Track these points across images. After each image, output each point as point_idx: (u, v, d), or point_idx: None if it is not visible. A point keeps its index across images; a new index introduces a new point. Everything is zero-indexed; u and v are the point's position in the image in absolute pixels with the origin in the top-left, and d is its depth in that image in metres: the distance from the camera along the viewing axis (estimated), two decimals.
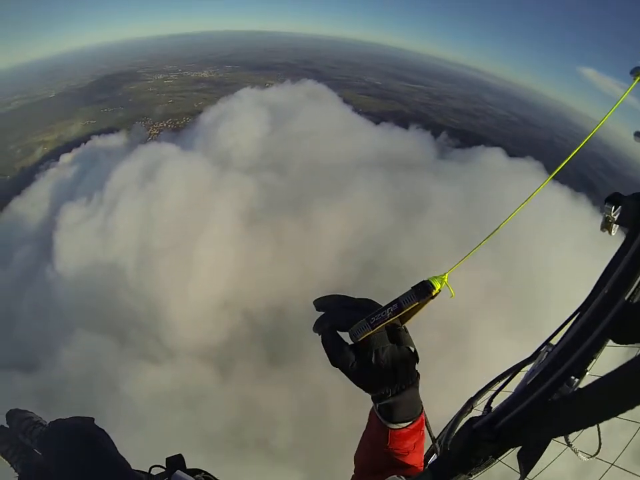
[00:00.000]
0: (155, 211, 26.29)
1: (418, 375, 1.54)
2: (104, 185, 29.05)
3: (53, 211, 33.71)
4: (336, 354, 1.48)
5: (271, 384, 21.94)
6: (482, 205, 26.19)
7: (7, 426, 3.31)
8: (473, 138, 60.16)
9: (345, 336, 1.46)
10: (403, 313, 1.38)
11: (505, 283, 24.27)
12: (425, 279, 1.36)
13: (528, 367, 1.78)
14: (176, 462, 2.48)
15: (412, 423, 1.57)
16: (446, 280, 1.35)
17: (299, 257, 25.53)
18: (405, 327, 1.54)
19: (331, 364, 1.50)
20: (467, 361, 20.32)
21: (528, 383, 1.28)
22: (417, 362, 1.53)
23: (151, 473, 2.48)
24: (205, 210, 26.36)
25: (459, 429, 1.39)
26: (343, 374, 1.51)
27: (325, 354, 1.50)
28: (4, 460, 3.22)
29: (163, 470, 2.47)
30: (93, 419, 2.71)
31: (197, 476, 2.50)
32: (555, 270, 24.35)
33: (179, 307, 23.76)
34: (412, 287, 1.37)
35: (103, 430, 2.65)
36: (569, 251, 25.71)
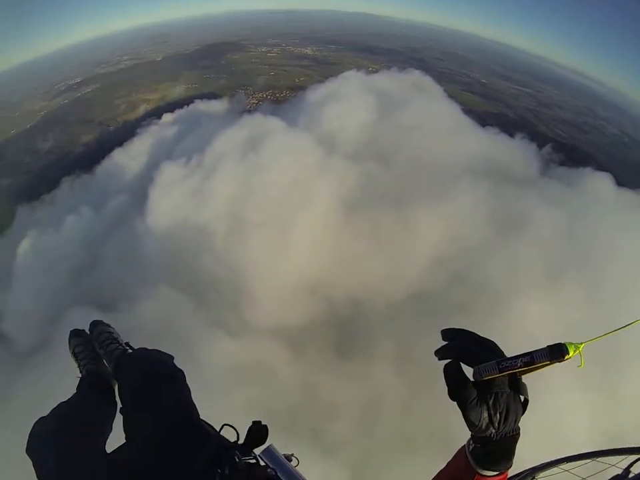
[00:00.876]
0: (255, 183, 25.56)
1: (519, 428, 1.55)
2: (204, 149, 28.66)
3: (151, 166, 34.01)
4: (460, 388, 1.50)
5: (336, 375, 21.38)
6: (584, 235, 24.85)
7: (88, 332, 3.45)
8: (578, 155, 56.41)
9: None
10: (532, 367, 1.42)
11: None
12: (562, 342, 1.40)
13: None
14: (258, 431, 2.35)
15: (500, 474, 1.58)
16: (581, 349, 1.39)
17: (390, 254, 24.16)
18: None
19: (449, 395, 1.52)
20: None
21: None
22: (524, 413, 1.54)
23: (221, 432, 2.42)
24: (306, 191, 25.37)
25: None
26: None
27: (445, 382, 1.53)
28: (73, 359, 3.38)
29: (234, 431, 2.39)
30: (173, 357, 2.83)
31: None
32: None
33: (262, 282, 23.21)
34: (547, 346, 1.41)
35: (182, 371, 2.72)
36: None
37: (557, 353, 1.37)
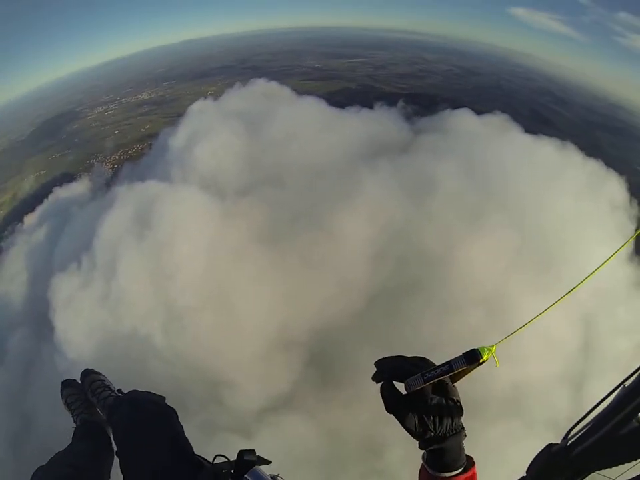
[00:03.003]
0: (166, 262, 21.94)
1: (463, 427, 1.70)
2: (90, 244, 24.26)
3: (37, 284, 29.50)
4: (392, 402, 1.68)
5: (335, 406, 19.98)
6: (481, 173, 24.99)
7: (79, 382, 3.54)
8: (426, 99, 58.70)
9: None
10: (452, 373, 1.57)
11: (526, 244, 22.61)
12: (476, 348, 1.54)
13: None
14: (246, 456, 2.32)
15: (461, 473, 1.70)
16: (493, 351, 1.53)
17: (331, 270, 22.32)
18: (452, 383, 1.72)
19: (386, 410, 1.71)
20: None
21: (601, 418, 1.50)
22: (462, 414, 1.68)
23: (214, 462, 2.49)
24: (219, 247, 22.39)
25: (539, 451, 1.71)
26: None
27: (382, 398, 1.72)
28: (66, 410, 3.50)
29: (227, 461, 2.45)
30: (164, 398, 2.87)
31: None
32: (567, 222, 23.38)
33: (231, 362, 20.12)
34: (463, 353, 1.56)
35: (174, 409, 2.79)
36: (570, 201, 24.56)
37: (472, 358, 1.52)
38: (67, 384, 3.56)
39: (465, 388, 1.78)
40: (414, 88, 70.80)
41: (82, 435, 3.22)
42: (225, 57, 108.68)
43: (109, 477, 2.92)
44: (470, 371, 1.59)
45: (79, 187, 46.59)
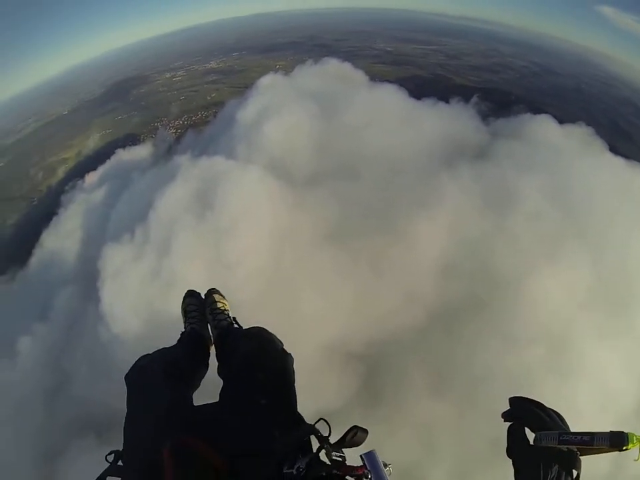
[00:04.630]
0: (223, 248, 19.63)
1: None
2: (147, 216, 22.23)
3: (91, 246, 28.27)
4: (518, 448, 1.58)
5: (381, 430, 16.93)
6: (564, 193, 22.46)
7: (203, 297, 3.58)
8: (502, 97, 54.88)
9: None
10: (589, 447, 1.41)
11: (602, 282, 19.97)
12: (625, 432, 1.36)
13: None
14: (355, 434, 2.10)
15: None
16: None
17: (396, 279, 19.82)
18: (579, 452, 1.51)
19: (507, 453, 1.62)
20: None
21: None
22: None
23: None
24: (284, 240, 20.00)
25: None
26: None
27: (506, 441, 1.63)
28: (182, 316, 3.52)
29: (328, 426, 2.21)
30: (282, 343, 2.76)
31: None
32: None
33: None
34: (610, 431, 1.39)
35: (291, 355, 2.66)
36: None
37: (617, 441, 1.35)
38: (191, 294, 3.59)
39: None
40: (488, 82, 66.54)
41: (187, 341, 3.24)
42: (294, 33, 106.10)
43: (198, 387, 2.87)
44: (606, 452, 1.39)
45: (142, 151, 45.30)
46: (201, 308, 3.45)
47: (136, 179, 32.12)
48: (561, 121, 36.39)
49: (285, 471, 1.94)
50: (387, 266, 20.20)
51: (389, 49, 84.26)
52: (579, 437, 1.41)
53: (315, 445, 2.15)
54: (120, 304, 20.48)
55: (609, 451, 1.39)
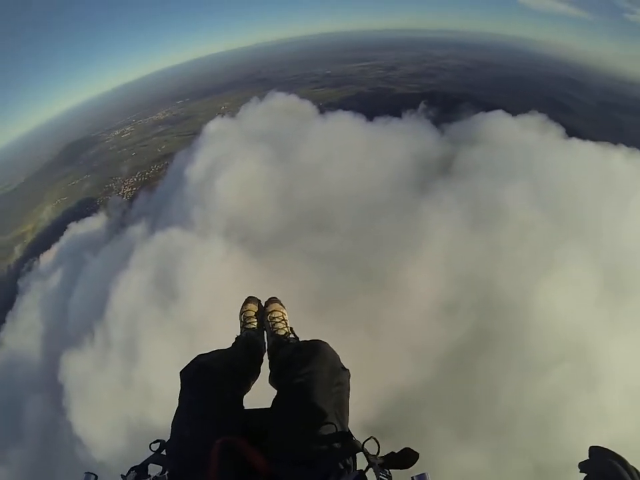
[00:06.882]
0: (197, 342, 15.35)
1: None
2: (104, 312, 18.53)
3: (50, 342, 24.75)
4: None
5: None
6: (547, 193, 20.96)
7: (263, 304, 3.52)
8: (446, 99, 53.56)
9: None
10: None
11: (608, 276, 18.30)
12: None
13: None
14: (405, 456, 2.03)
15: None
16: None
17: (394, 332, 17.11)
18: None
19: None
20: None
21: None
22: None
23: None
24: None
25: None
26: None
27: None
28: (240, 318, 3.33)
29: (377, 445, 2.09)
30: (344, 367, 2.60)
31: None
32: None
33: None
34: None
35: (349, 371, 2.58)
36: None
37: None
38: (251, 300, 3.43)
39: None
40: (429, 87, 65.74)
41: (241, 345, 3.06)
42: (234, 71, 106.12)
43: (249, 390, 2.71)
44: None
45: (95, 223, 41.11)
46: (259, 314, 3.32)
47: (90, 260, 28.14)
48: (513, 113, 35.22)
49: None
50: (381, 322, 17.43)
51: (327, 72, 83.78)
52: None
53: (362, 463, 2.02)
54: (94, 426, 16.93)
55: None
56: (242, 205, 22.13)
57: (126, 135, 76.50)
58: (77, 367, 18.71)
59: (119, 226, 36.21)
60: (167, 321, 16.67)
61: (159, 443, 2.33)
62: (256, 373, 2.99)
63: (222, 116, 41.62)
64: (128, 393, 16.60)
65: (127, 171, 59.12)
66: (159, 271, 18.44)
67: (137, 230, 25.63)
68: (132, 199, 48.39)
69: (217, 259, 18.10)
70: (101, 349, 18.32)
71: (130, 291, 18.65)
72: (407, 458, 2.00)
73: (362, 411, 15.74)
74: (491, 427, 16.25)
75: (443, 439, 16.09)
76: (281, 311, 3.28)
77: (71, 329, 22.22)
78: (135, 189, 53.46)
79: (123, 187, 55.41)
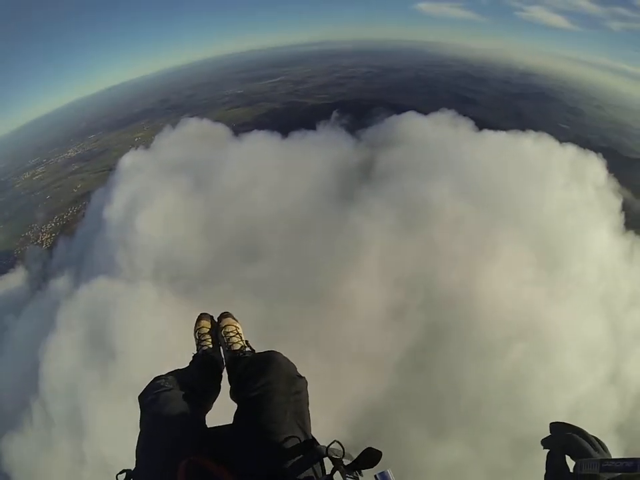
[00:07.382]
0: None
1: None
2: (38, 386, 16.85)
3: None
4: (558, 478, 1.47)
5: None
6: (469, 185, 21.91)
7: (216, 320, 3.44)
8: (354, 104, 55.54)
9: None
10: (633, 474, 1.26)
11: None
12: None
13: None
14: (369, 455, 2.03)
15: None
16: None
17: (352, 350, 17.34)
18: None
19: (545, 478, 1.51)
20: None
21: None
22: None
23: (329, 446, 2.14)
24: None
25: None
26: None
27: (545, 467, 1.49)
28: (194, 337, 3.27)
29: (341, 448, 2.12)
30: (302, 377, 2.59)
31: None
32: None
33: None
34: None
35: (307, 382, 2.57)
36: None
37: None
38: (204, 317, 3.35)
39: None
40: (338, 95, 67.77)
41: (199, 364, 3.01)
42: (145, 100, 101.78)
43: (210, 409, 2.72)
44: None
45: (14, 280, 37.91)
46: (213, 331, 3.25)
47: (12, 324, 25.80)
48: (424, 113, 36.56)
49: None
50: (332, 339, 17.56)
51: (239, 91, 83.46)
52: (621, 464, 1.25)
53: (329, 466, 2.04)
54: None
55: None
56: (166, 241, 21.19)
57: (38, 176, 72.03)
58: (20, 451, 16.92)
59: (40, 280, 33.68)
60: (109, 382, 15.49)
61: (124, 473, 2.29)
62: (216, 390, 2.98)
63: (136, 148, 39.81)
64: (83, 472, 15.35)
65: (43, 217, 55.39)
66: (90, 328, 17.17)
67: (59, 283, 24.14)
68: (51, 247, 45.39)
69: (150, 304, 17.17)
70: (42, 427, 16.80)
71: (62, 356, 17.22)
72: (370, 457, 2.00)
73: (333, 433, 15.59)
74: (461, 417, 16.96)
75: (419, 439, 16.70)
76: (235, 325, 3.26)
77: (4, 409, 20.13)
78: (53, 235, 50.32)
79: (40, 234, 51.94)
